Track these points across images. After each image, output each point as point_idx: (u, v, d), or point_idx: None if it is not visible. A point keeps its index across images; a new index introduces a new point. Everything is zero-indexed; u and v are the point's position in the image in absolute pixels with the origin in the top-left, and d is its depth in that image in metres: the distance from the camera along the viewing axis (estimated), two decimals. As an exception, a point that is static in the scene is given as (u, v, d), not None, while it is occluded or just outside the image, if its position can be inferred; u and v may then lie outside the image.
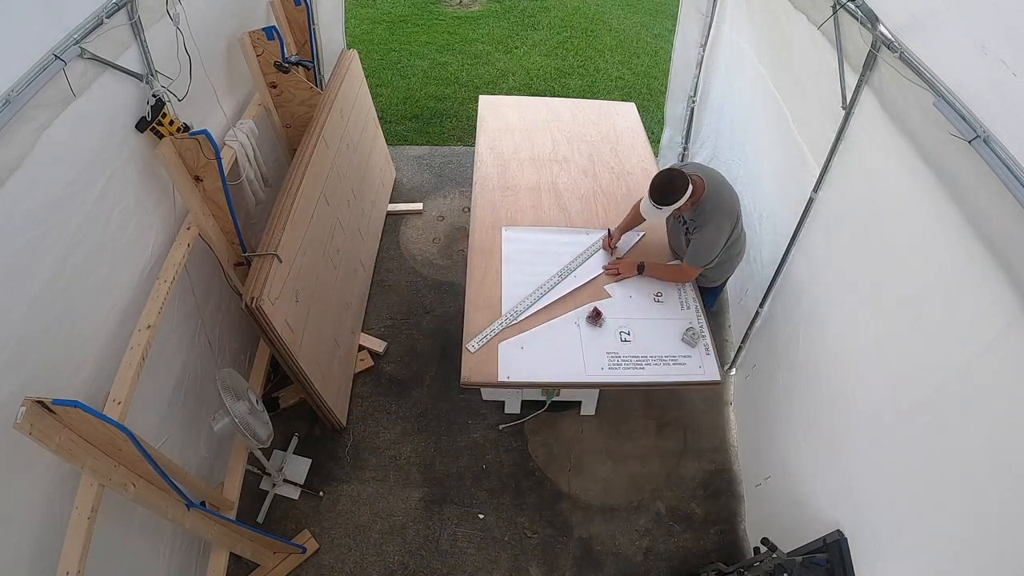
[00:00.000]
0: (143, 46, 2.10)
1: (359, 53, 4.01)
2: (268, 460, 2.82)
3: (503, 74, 5.97)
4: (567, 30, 6.70)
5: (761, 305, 2.93)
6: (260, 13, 3.21)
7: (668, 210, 2.48)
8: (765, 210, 3.05)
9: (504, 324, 2.63)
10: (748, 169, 3.29)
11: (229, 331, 2.91)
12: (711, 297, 3.09)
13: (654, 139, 4.41)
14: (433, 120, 5.31)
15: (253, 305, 2.34)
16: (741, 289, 3.41)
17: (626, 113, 3.99)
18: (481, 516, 2.87)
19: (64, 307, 1.79)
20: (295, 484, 2.92)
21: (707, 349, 2.59)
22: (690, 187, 2.45)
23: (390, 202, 4.37)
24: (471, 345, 2.54)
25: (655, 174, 2.54)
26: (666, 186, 2.46)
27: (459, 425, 3.20)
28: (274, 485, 2.89)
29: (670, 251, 3.00)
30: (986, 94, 1.43)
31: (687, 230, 2.70)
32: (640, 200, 2.66)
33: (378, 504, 2.90)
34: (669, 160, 4.41)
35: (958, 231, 1.56)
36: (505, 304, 2.71)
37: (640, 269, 2.85)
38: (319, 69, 3.74)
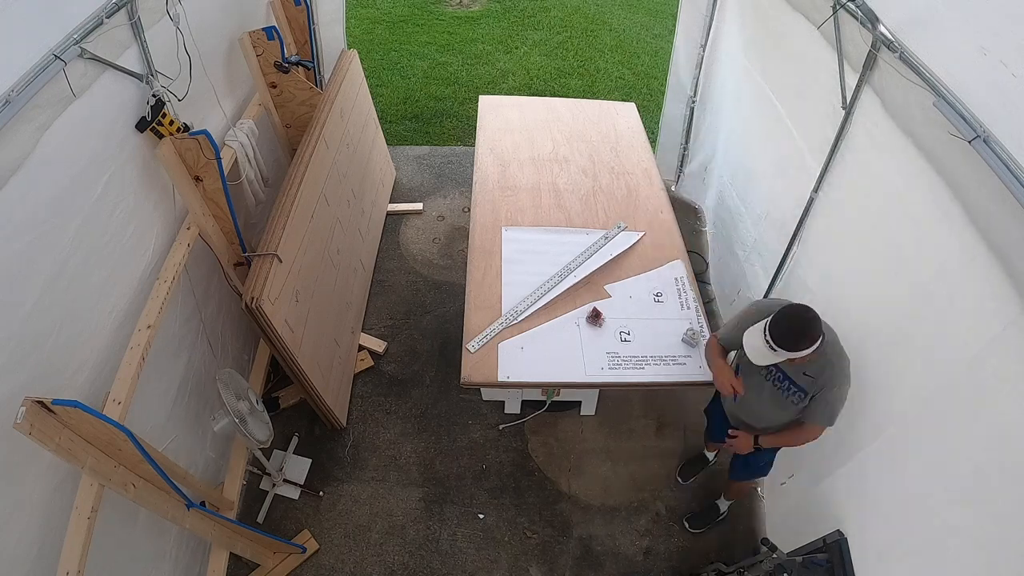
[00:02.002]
0: (143, 46, 2.10)
1: (359, 53, 4.01)
2: (268, 460, 2.82)
3: (503, 74, 5.97)
4: (567, 30, 6.70)
5: (761, 305, 2.93)
6: (260, 13, 3.21)
7: (787, 355, 1.86)
8: (763, 210, 3.05)
9: (504, 324, 2.63)
10: (747, 169, 3.30)
11: (230, 331, 2.92)
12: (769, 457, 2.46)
13: (654, 139, 4.41)
14: (433, 120, 5.31)
15: (253, 305, 2.34)
16: (733, 289, 3.40)
17: (626, 113, 3.99)
18: (481, 516, 2.87)
19: (65, 307, 1.79)
20: (295, 484, 2.92)
21: (707, 349, 2.58)
22: (823, 335, 1.88)
23: (390, 202, 4.37)
24: (471, 345, 2.54)
25: (780, 309, 1.91)
26: (801, 329, 1.84)
27: (459, 425, 3.20)
28: (274, 485, 2.89)
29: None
30: (986, 94, 1.43)
31: (790, 383, 2.06)
32: (716, 335, 2.26)
33: (378, 504, 2.90)
34: (669, 160, 4.41)
35: (959, 231, 1.57)
36: (505, 304, 2.71)
37: (756, 440, 2.25)
38: (319, 69, 3.74)
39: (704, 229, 4.23)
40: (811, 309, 1.90)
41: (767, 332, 1.87)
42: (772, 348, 1.86)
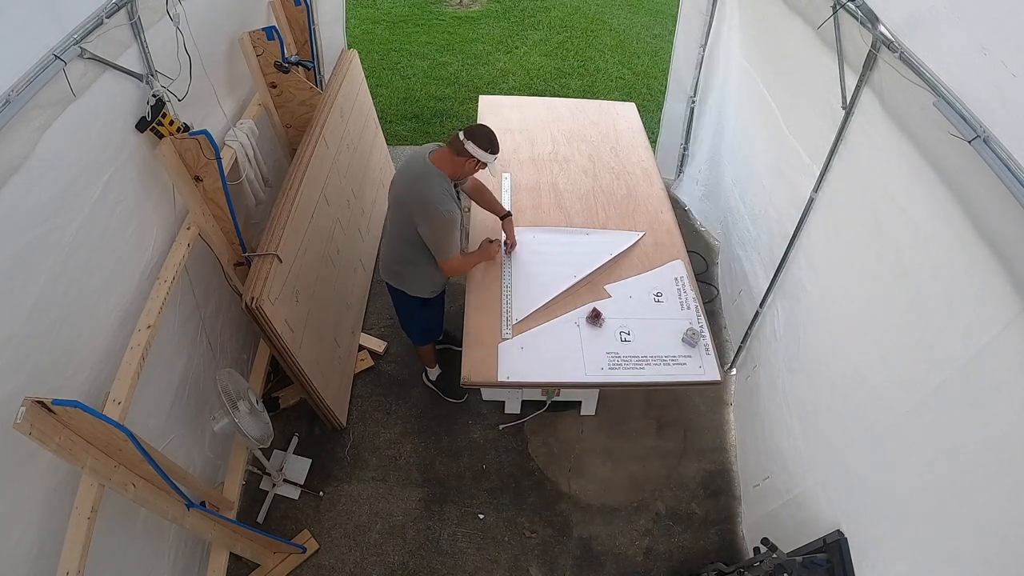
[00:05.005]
0: (143, 46, 2.10)
1: (359, 53, 4.01)
2: (268, 460, 2.82)
3: (503, 74, 5.97)
4: (567, 30, 6.70)
5: (761, 305, 2.93)
6: (260, 13, 3.21)
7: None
8: (759, 210, 3.05)
9: (515, 319, 2.65)
10: (744, 169, 3.30)
11: (229, 331, 2.92)
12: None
13: (654, 139, 4.41)
14: (433, 120, 5.31)
15: (253, 305, 2.34)
16: (735, 289, 3.41)
17: (626, 113, 3.99)
18: (481, 516, 2.87)
19: (65, 307, 1.79)
20: (295, 484, 2.92)
21: (707, 349, 2.59)
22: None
23: (390, 201, 4.37)
24: (506, 333, 2.59)
25: (475, 131, 2.46)
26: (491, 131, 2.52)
27: (459, 425, 3.20)
28: (274, 485, 2.89)
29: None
30: (986, 94, 1.43)
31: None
32: (453, 257, 2.59)
33: (378, 504, 2.90)
34: (669, 160, 4.41)
35: (958, 231, 1.56)
36: (505, 304, 2.72)
37: None
38: (319, 69, 3.74)
39: (701, 229, 4.23)
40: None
41: (489, 150, 2.42)
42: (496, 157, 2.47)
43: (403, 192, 2.53)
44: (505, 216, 2.97)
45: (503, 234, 2.95)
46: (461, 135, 2.44)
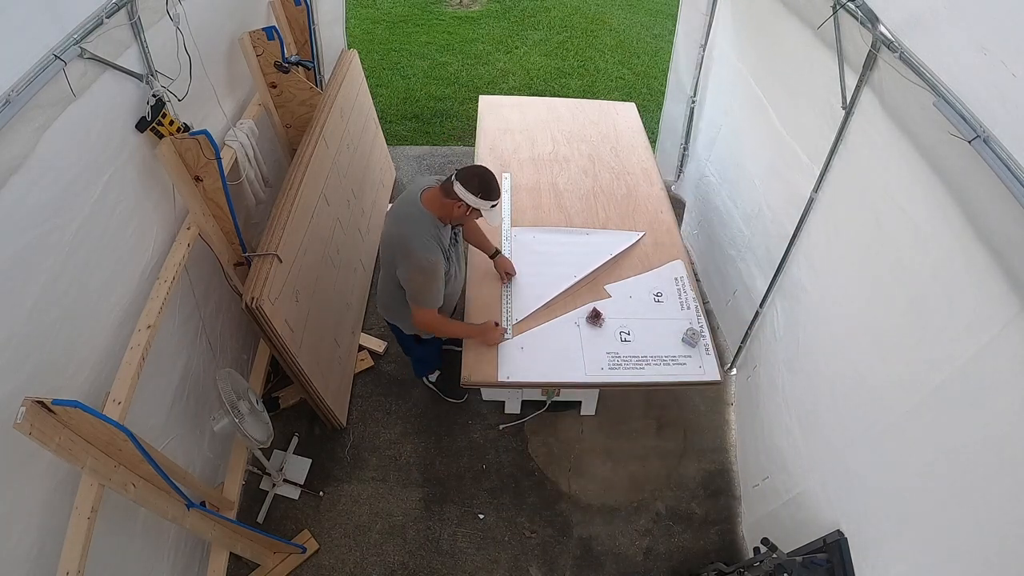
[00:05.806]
0: (143, 46, 2.10)
1: (359, 53, 4.01)
2: (268, 460, 2.82)
3: (503, 74, 5.97)
4: (567, 30, 6.70)
5: (760, 305, 2.93)
6: (260, 13, 3.21)
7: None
8: (752, 210, 3.05)
9: (516, 318, 2.65)
10: (734, 170, 3.30)
11: (230, 331, 2.92)
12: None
13: (654, 139, 4.41)
14: (433, 120, 5.31)
15: (253, 305, 2.34)
16: (729, 290, 3.40)
17: (626, 113, 3.99)
18: (481, 516, 2.87)
19: (65, 307, 1.79)
20: (295, 484, 2.92)
21: (707, 349, 2.59)
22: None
23: (390, 202, 4.36)
24: (508, 332, 2.58)
25: (472, 172, 2.19)
26: (491, 175, 2.26)
27: (459, 425, 3.20)
28: (274, 485, 2.89)
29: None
30: (986, 94, 1.43)
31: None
32: (433, 311, 2.40)
33: (378, 504, 2.90)
34: (669, 160, 4.41)
35: (958, 231, 1.57)
36: (505, 304, 2.72)
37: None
38: (319, 69, 3.74)
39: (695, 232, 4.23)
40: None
41: (480, 195, 2.15)
42: (493, 205, 2.22)
43: (389, 230, 2.38)
44: (495, 255, 2.84)
45: (504, 327, 2.67)
46: (453, 175, 2.20)
